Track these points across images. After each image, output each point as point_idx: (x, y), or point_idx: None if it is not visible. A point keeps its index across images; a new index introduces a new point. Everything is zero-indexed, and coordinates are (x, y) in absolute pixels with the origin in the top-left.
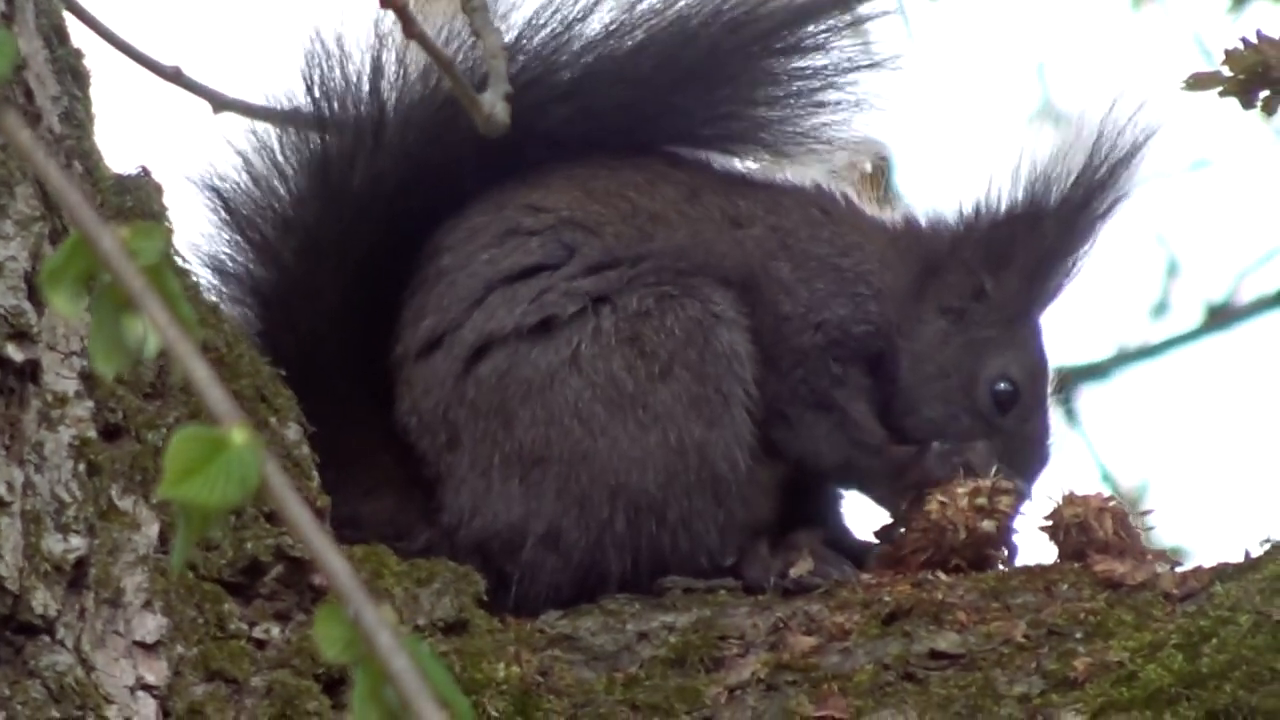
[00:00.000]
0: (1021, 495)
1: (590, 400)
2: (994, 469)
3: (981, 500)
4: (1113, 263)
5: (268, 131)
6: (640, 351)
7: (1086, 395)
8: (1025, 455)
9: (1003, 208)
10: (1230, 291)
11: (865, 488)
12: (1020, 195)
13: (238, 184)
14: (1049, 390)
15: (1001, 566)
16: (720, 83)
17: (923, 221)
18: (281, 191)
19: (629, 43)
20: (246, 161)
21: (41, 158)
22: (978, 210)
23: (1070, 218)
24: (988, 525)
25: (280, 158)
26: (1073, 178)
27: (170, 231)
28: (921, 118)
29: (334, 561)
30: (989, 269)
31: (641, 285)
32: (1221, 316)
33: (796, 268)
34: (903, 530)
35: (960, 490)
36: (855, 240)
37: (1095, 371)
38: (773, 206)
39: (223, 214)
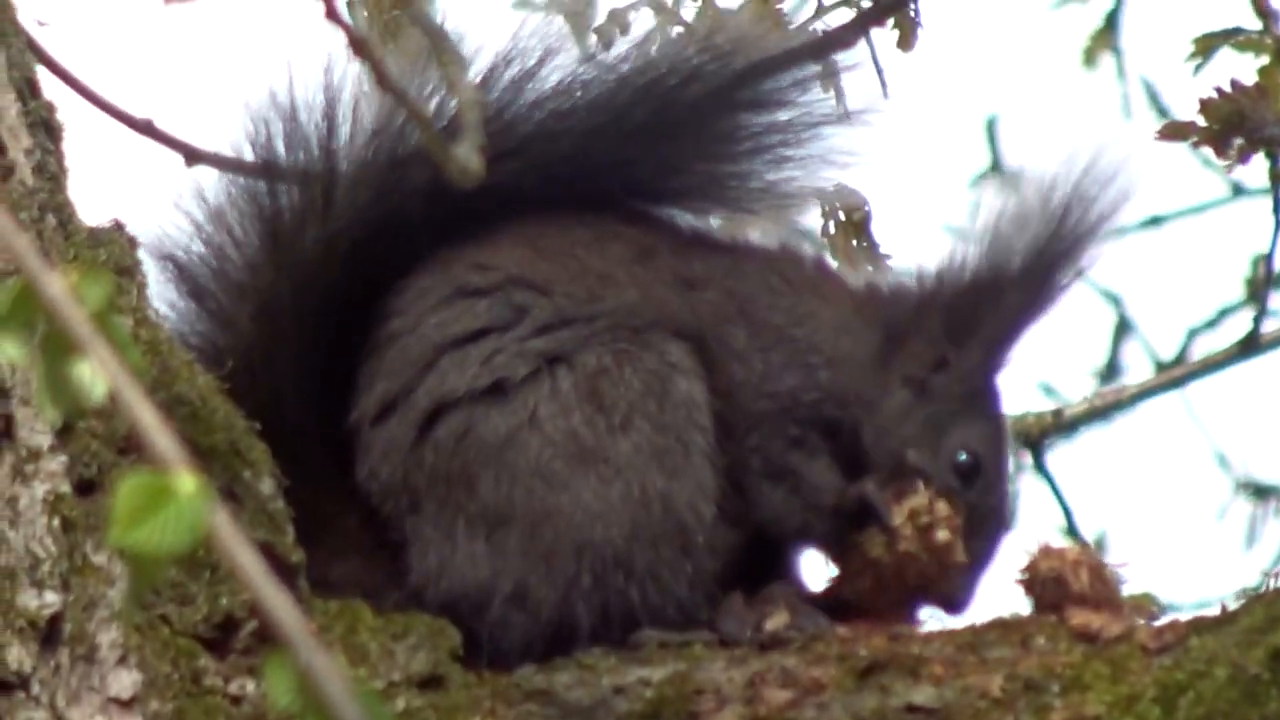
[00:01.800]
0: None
1: (551, 458)
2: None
3: (924, 519)
4: (1060, 323)
5: (219, 196)
6: (599, 406)
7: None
8: (990, 525)
9: (966, 276)
10: (1180, 349)
11: (823, 548)
12: (984, 263)
13: (191, 250)
14: (1009, 456)
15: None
16: (675, 137)
17: (886, 288)
18: (235, 257)
19: (581, 98)
20: (198, 227)
21: None
22: (940, 278)
23: (1033, 286)
24: (943, 535)
25: (232, 222)
26: (1038, 246)
27: (144, 284)
28: (895, 170)
29: (282, 609)
30: (952, 339)
31: (597, 344)
32: (1172, 373)
33: (753, 336)
34: (856, 568)
35: (898, 523)
36: (812, 308)
37: (1062, 428)
38: (731, 270)
39: (179, 282)
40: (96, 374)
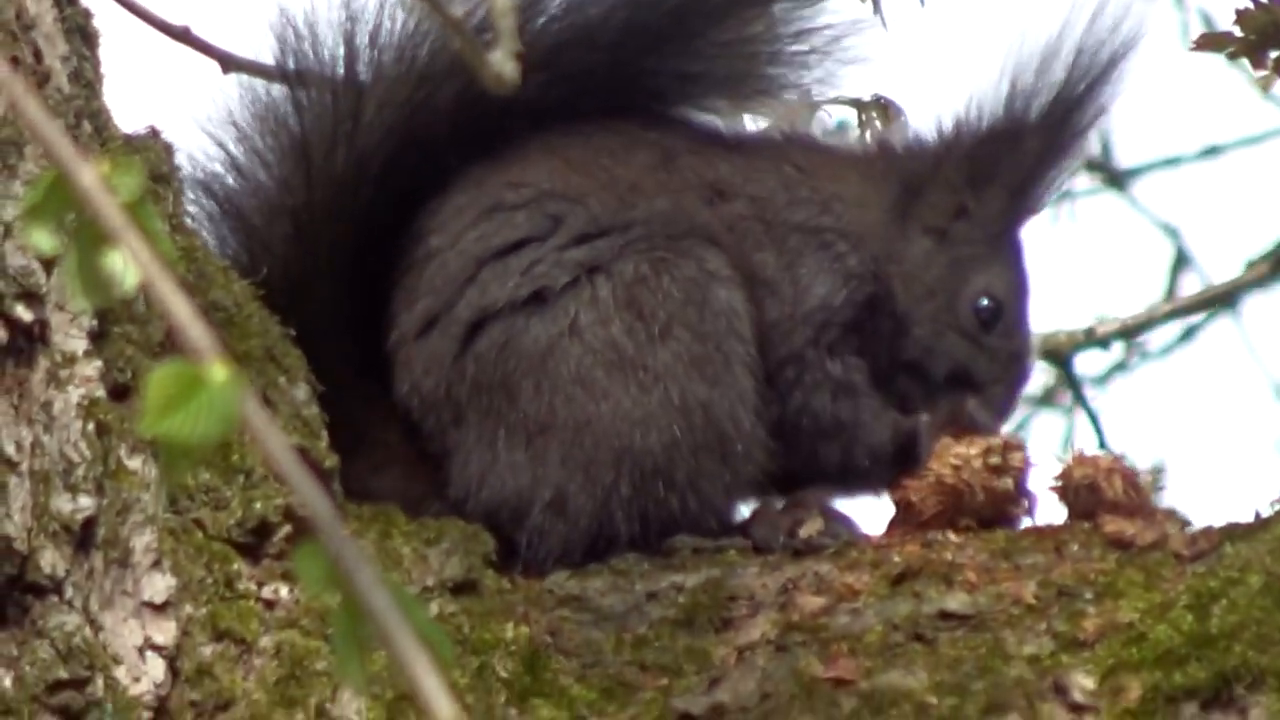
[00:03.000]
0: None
1: (591, 366)
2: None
3: (995, 459)
4: (1120, 254)
5: (248, 116)
6: (639, 315)
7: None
8: (1009, 371)
9: (984, 125)
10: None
11: (879, 491)
12: (1001, 111)
13: (224, 175)
14: (1029, 307)
15: (1025, 520)
16: (690, 43)
17: (901, 143)
18: (267, 180)
19: (597, 9)
20: (228, 153)
21: (20, 91)
22: (958, 128)
23: (1051, 133)
24: (1005, 483)
25: (262, 146)
26: (1054, 92)
27: (179, 191)
28: (926, 70)
29: (314, 498)
30: (971, 187)
31: (634, 252)
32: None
33: (780, 254)
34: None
35: (972, 451)
36: (832, 191)
37: (1093, 343)
38: (749, 172)
39: (210, 200)
40: (128, 264)
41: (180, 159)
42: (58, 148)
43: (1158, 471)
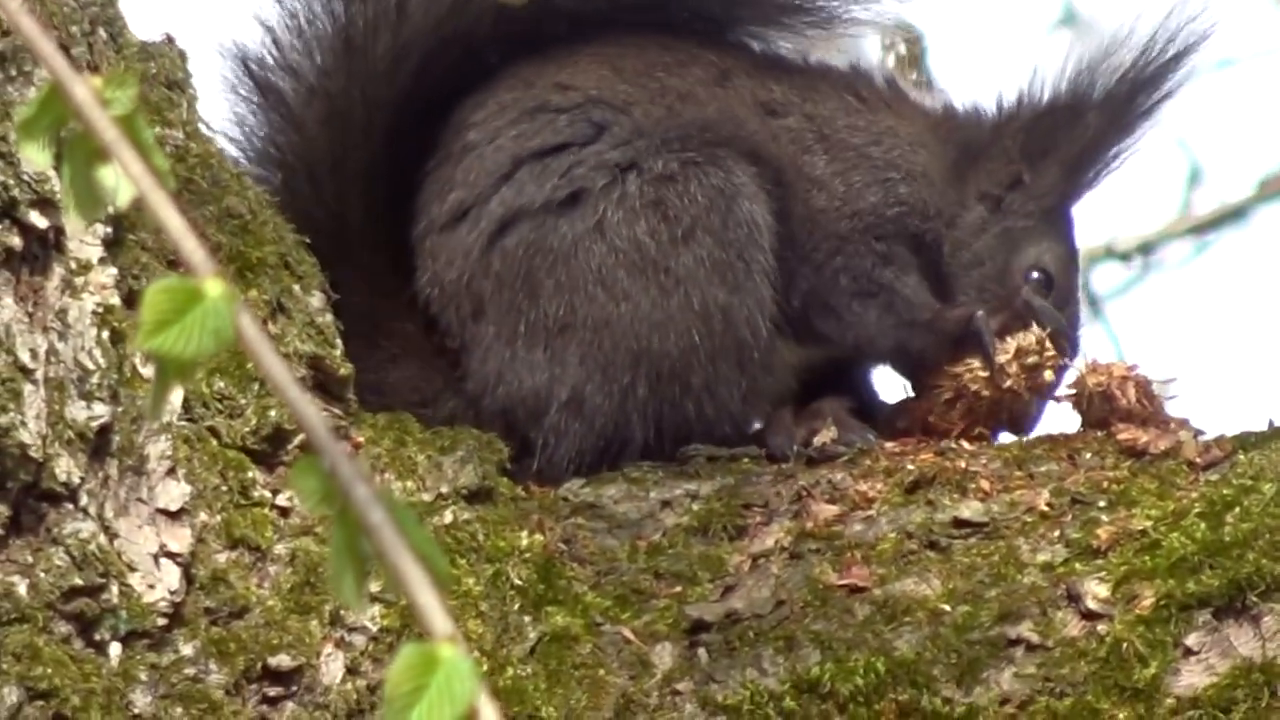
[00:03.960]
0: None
1: (614, 266)
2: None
3: (1032, 358)
4: (1132, 169)
5: (294, 3)
6: (663, 216)
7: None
8: (1059, 344)
9: (1045, 98)
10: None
11: (920, 365)
12: (1064, 87)
13: (262, 55)
14: (1079, 280)
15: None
16: None
17: (961, 109)
18: (306, 63)
19: None
20: (270, 32)
21: (14, 6)
22: (1020, 99)
23: (1113, 112)
24: (1048, 376)
25: (305, 27)
26: (1119, 73)
27: (194, 99)
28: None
29: (308, 413)
30: (1028, 158)
31: (667, 150)
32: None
33: (832, 160)
34: (948, 397)
35: (1006, 358)
36: (889, 125)
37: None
38: (808, 93)
39: (248, 84)
40: (122, 179)
41: (222, 37)
42: (51, 61)
43: (1170, 380)
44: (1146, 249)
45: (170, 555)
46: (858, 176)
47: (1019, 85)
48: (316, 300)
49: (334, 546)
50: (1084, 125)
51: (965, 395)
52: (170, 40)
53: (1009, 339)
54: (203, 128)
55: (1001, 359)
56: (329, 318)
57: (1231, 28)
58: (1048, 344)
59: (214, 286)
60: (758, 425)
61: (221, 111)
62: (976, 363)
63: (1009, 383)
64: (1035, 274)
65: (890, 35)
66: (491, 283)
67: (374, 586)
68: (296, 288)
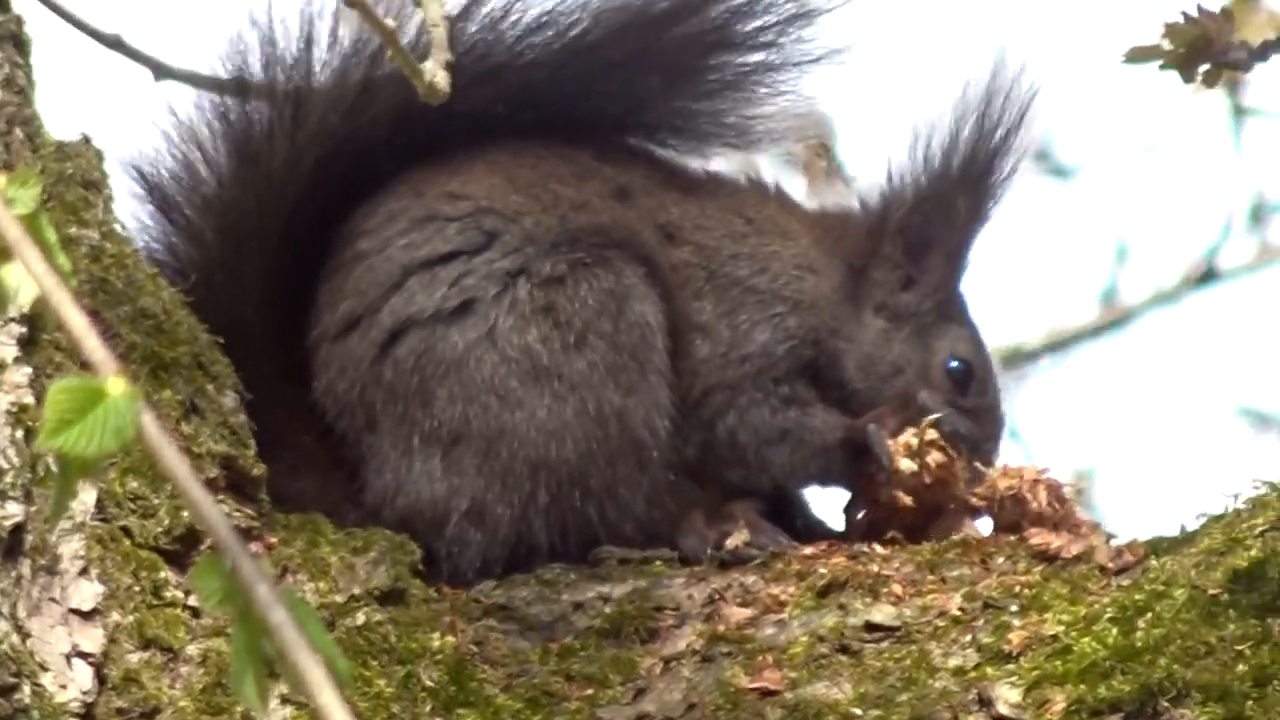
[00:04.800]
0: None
1: (506, 375)
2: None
3: (933, 456)
4: (1059, 250)
5: (190, 111)
6: (554, 322)
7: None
8: (990, 424)
9: (910, 194)
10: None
11: (842, 483)
12: (924, 179)
13: (160, 164)
14: (990, 355)
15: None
16: (648, 75)
17: (845, 217)
18: (204, 172)
19: (557, 32)
20: (169, 140)
21: None
22: (885, 200)
23: (977, 188)
24: (936, 457)
25: (202, 136)
26: (970, 148)
27: (110, 198)
28: (868, 100)
29: (210, 512)
30: (911, 258)
31: (555, 253)
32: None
33: (719, 302)
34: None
35: (901, 460)
36: (774, 250)
37: (1025, 357)
38: (699, 219)
39: (146, 193)
40: (24, 278)
41: (120, 147)
42: None
43: (1083, 481)
44: (1055, 347)
45: (83, 655)
46: (744, 316)
47: (882, 186)
48: (230, 400)
49: (235, 647)
50: (955, 210)
51: (873, 502)
52: (87, 140)
53: (902, 437)
54: (118, 228)
55: (904, 465)
56: (242, 418)
57: (1158, 116)
58: (938, 439)
59: (116, 385)
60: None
61: (123, 218)
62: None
63: (904, 480)
64: (954, 363)
65: (799, 128)
66: (384, 393)
67: (284, 688)
68: (210, 388)
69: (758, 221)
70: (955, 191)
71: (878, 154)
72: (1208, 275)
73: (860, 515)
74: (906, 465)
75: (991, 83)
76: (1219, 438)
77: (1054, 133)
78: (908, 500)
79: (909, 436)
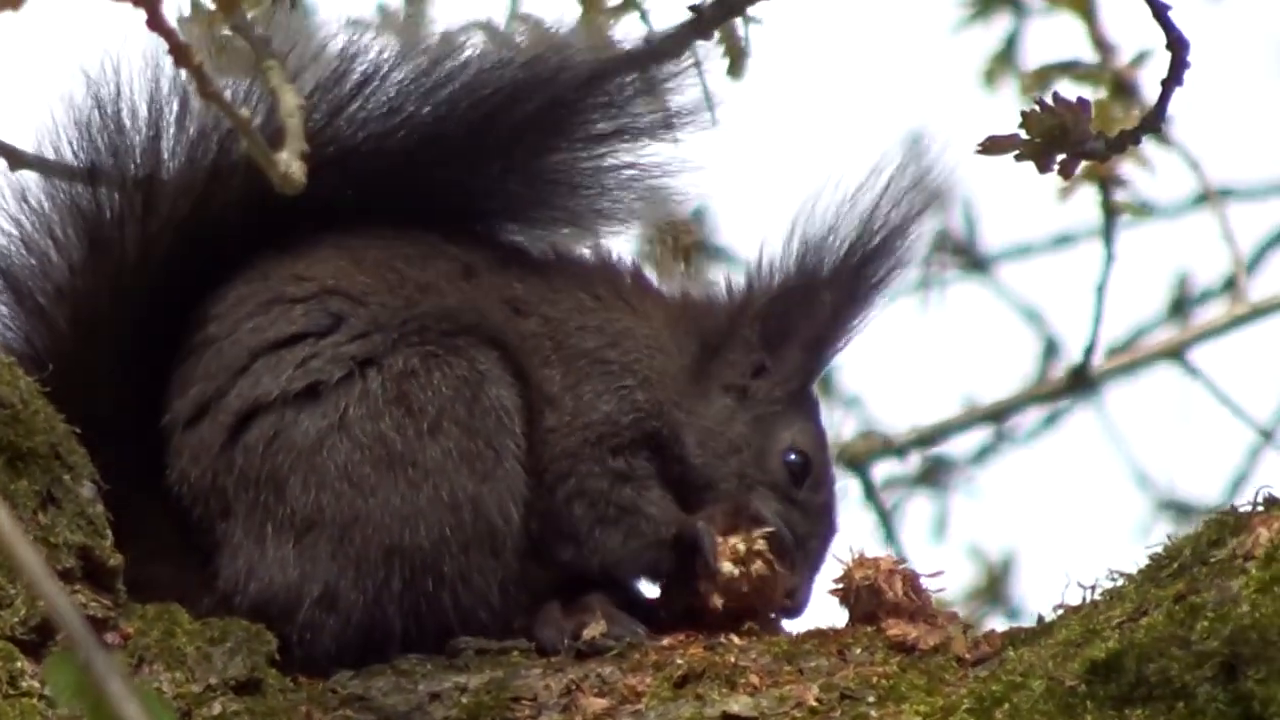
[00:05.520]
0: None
1: (360, 462)
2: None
3: (757, 563)
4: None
5: (40, 198)
6: (408, 410)
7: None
8: (821, 522)
9: (776, 281)
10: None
11: (667, 578)
12: (793, 268)
13: (11, 252)
14: (832, 458)
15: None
16: (494, 159)
17: (703, 298)
18: (55, 258)
19: (404, 118)
20: (20, 228)
21: None
22: (751, 286)
23: (846, 287)
24: (760, 568)
25: (54, 223)
26: (845, 247)
27: None
28: (732, 172)
29: (62, 606)
30: (768, 345)
31: (406, 345)
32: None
33: (566, 373)
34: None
35: (724, 562)
36: (626, 326)
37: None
38: (546, 292)
39: (1, 282)
40: None
41: None
42: None
43: (937, 574)
44: (926, 441)
45: None
46: (589, 387)
47: (750, 269)
48: (87, 490)
49: None
50: (819, 305)
51: (697, 596)
52: None
53: (732, 540)
54: None
55: (726, 569)
56: (99, 508)
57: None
58: (758, 541)
59: None
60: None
61: None
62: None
63: (725, 583)
64: (792, 455)
65: (658, 228)
66: (235, 479)
67: None
68: (67, 478)
69: (607, 299)
70: (823, 287)
71: (750, 235)
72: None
73: (675, 604)
74: (728, 569)
75: (883, 189)
76: (1139, 529)
77: (973, 224)
78: (718, 602)
79: (737, 541)
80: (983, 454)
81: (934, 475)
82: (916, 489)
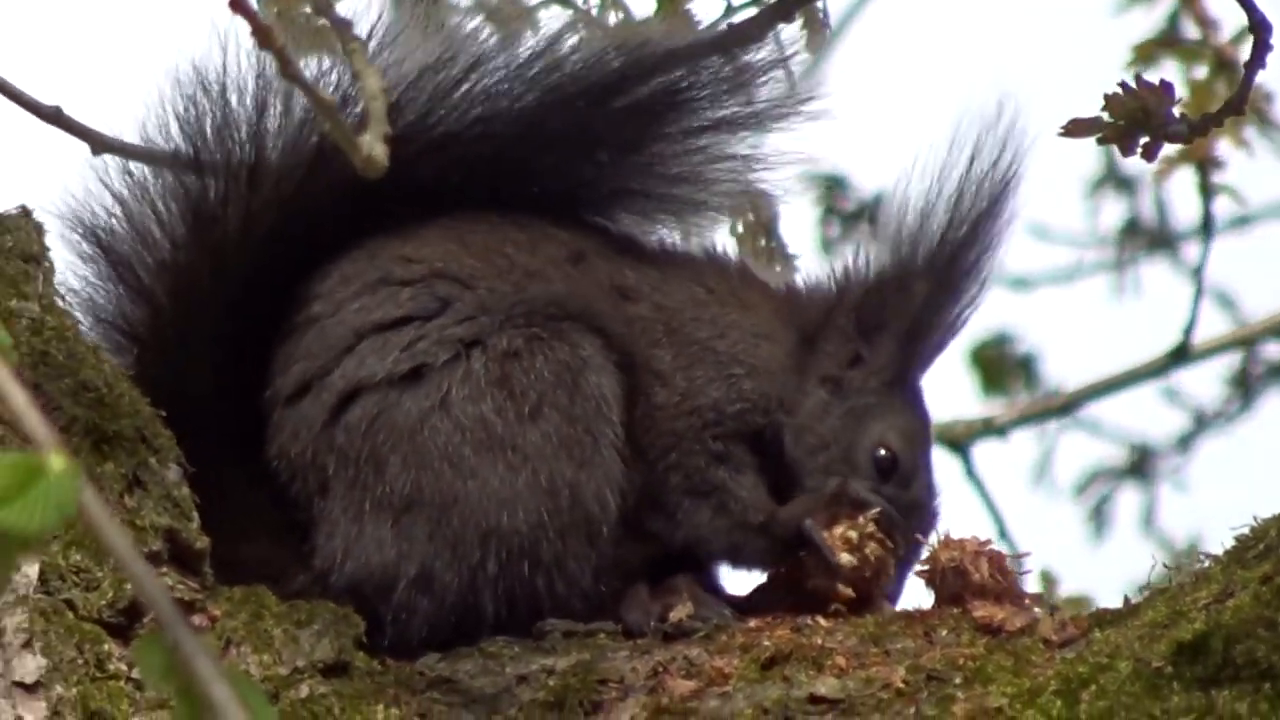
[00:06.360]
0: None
1: (460, 443)
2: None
3: (859, 541)
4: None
5: (144, 173)
6: (509, 393)
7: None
8: (912, 519)
9: (871, 271)
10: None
11: (753, 566)
12: (888, 258)
13: (113, 226)
14: (930, 452)
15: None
16: (591, 149)
17: (804, 290)
18: (157, 234)
19: (503, 105)
20: (122, 203)
21: None
22: (848, 276)
23: (939, 276)
24: (873, 549)
25: (156, 200)
26: (937, 235)
27: (50, 270)
28: (813, 164)
29: (151, 588)
30: (863, 335)
31: (511, 327)
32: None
33: (677, 355)
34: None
35: (841, 554)
36: (734, 318)
37: (991, 432)
38: (658, 283)
39: (98, 256)
40: None
41: (72, 207)
42: None
43: (1024, 555)
44: (1028, 420)
45: None
46: (700, 371)
47: (846, 260)
48: (173, 473)
49: None
50: (912, 294)
51: (802, 588)
52: (26, 213)
53: (835, 529)
54: (59, 301)
55: (845, 560)
56: (185, 490)
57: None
58: (873, 529)
59: (57, 461)
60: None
61: (71, 282)
62: (813, 561)
63: (844, 575)
64: (881, 451)
65: (740, 205)
66: (335, 458)
67: None
68: (153, 460)
69: (719, 292)
70: (916, 277)
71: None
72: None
73: (778, 602)
74: (847, 559)
75: (968, 171)
76: None
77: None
78: (849, 592)
79: (847, 530)
80: (1185, 442)
81: (1140, 466)
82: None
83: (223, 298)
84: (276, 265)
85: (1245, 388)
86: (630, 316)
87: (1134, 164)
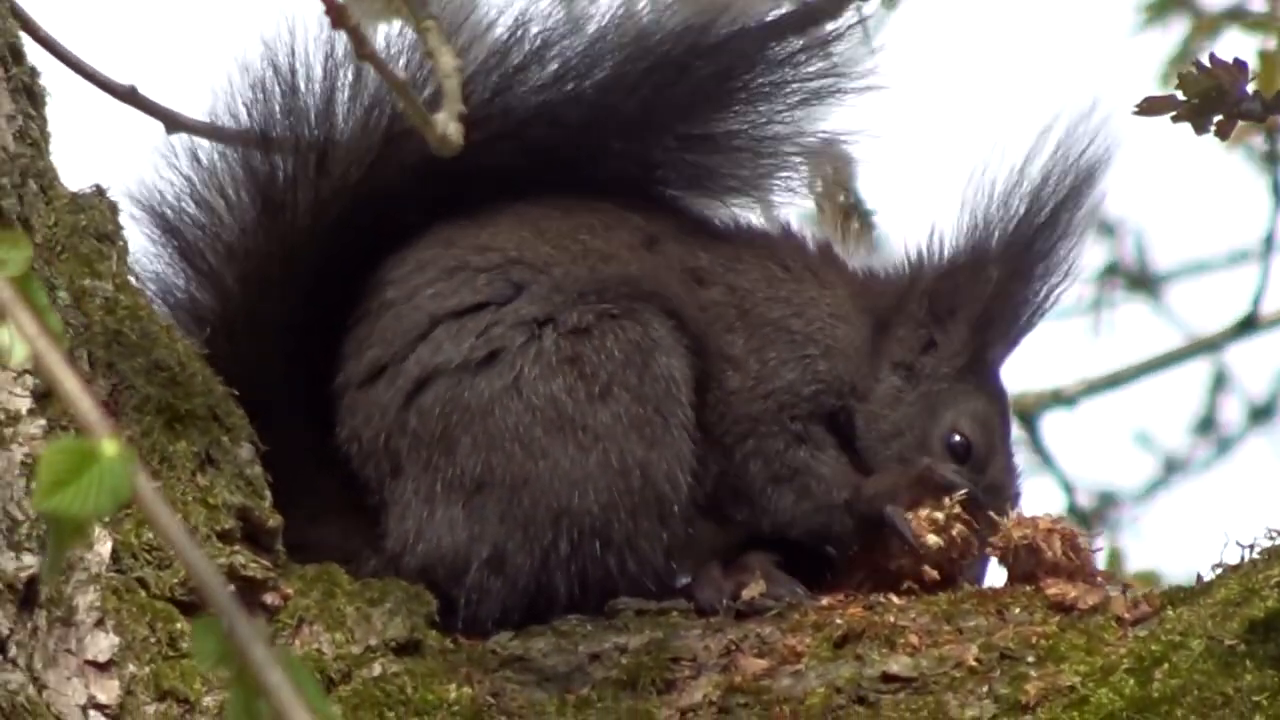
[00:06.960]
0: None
1: (531, 424)
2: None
3: (957, 528)
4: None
5: (213, 157)
6: (580, 373)
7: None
8: (991, 501)
9: (945, 256)
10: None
11: (839, 546)
12: (963, 242)
13: (183, 210)
14: (1009, 434)
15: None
16: (661, 129)
17: (881, 273)
18: (226, 218)
19: (572, 88)
20: (192, 186)
21: None
22: (921, 260)
23: (1014, 262)
24: (960, 531)
25: (226, 183)
26: (1014, 221)
27: (124, 249)
28: (894, 139)
29: (207, 573)
30: (936, 320)
31: (582, 303)
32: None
33: (750, 338)
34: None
35: (926, 536)
36: (811, 296)
37: (1060, 402)
38: (733, 262)
39: (167, 239)
40: (16, 338)
41: (142, 192)
42: None
43: (1097, 533)
44: (1096, 389)
45: (99, 707)
46: (774, 353)
47: (920, 244)
48: (245, 452)
49: (231, 707)
50: (985, 279)
51: (886, 570)
52: (101, 192)
53: (919, 511)
54: (132, 280)
55: (931, 541)
56: (258, 469)
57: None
58: (958, 513)
59: (110, 446)
60: (685, 579)
61: (141, 265)
62: (897, 544)
63: (929, 559)
64: (955, 438)
65: (817, 159)
66: (408, 440)
67: None
68: (225, 439)
69: (795, 270)
70: (991, 262)
71: (906, 201)
72: None
73: (858, 580)
74: (934, 541)
75: (1050, 160)
76: None
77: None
78: (934, 574)
79: (932, 510)
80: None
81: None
82: None
83: (292, 283)
84: (345, 251)
85: None
86: (704, 302)
87: (1114, 207)
